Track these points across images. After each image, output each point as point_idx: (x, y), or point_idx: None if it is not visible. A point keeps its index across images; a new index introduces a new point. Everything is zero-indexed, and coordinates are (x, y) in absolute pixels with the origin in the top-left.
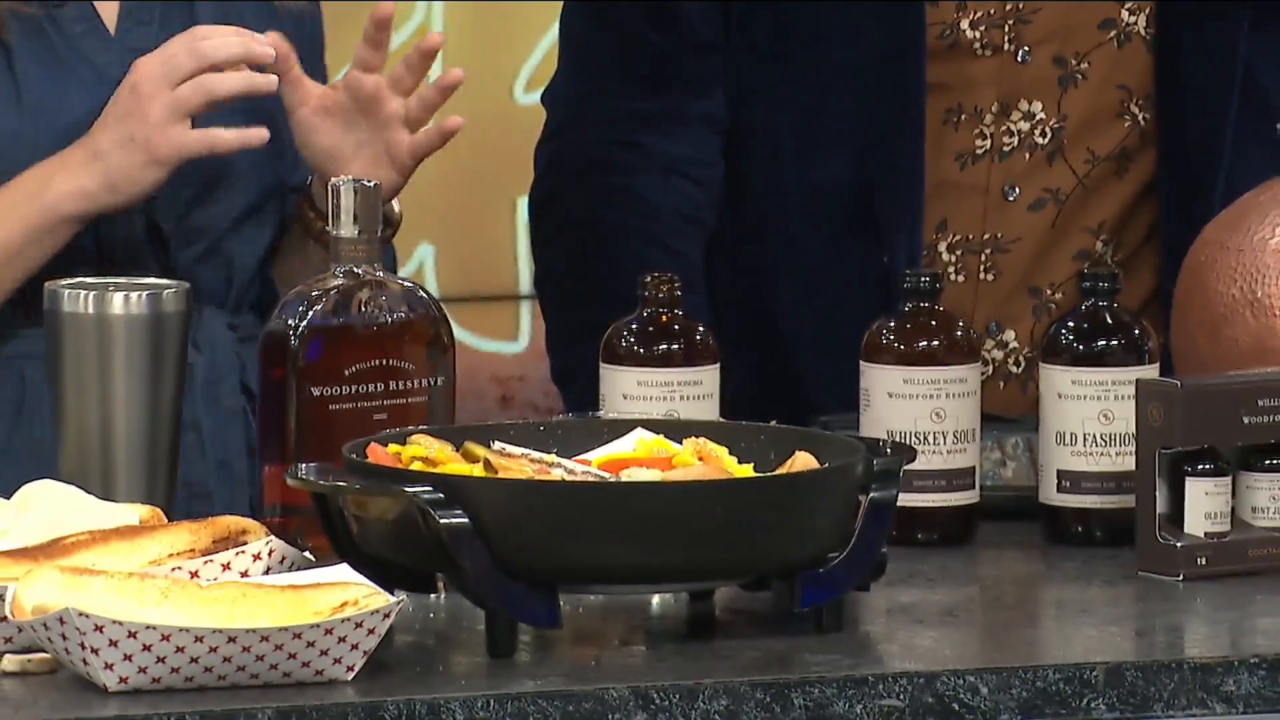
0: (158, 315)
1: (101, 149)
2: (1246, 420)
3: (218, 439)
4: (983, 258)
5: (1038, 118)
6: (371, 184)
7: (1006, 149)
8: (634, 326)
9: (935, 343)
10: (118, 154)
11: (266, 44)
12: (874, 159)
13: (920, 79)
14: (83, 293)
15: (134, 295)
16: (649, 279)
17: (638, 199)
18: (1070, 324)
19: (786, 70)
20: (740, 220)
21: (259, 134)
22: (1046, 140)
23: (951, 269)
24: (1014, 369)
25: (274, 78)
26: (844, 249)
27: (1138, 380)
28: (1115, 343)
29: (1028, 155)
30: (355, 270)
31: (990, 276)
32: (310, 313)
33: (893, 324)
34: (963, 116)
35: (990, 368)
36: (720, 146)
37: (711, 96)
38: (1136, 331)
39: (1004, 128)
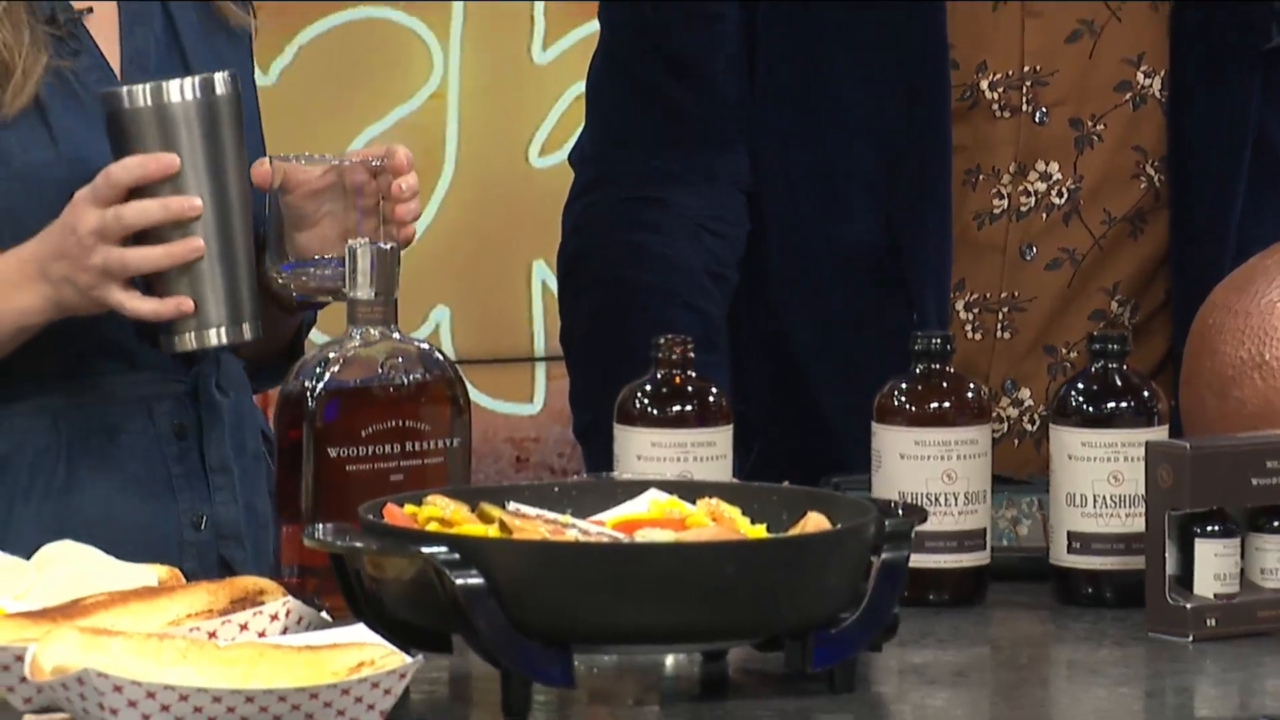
0: (211, 100)
1: (48, 274)
2: (1255, 482)
3: (245, 482)
4: (999, 316)
5: (1054, 178)
6: (388, 246)
7: (1024, 209)
8: (648, 388)
9: (946, 404)
10: (65, 288)
11: (193, 203)
12: (901, 218)
13: (946, 139)
14: (139, 87)
15: (189, 82)
16: (662, 341)
17: (663, 257)
18: (1080, 386)
19: (811, 129)
20: (764, 277)
21: (187, 304)
22: (1063, 200)
23: (968, 327)
24: (1029, 427)
25: (195, 202)
26: (871, 306)
27: (1147, 442)
28: (1125, 405)
29: (1044, 215)
30: (372, 332)
31: (1006, 335)
32: (327, 374)
33: (904, 385)
34: (981, 176)
35: (1005, 426)
36: (745, 204)
37: (736, 154)
38: (1146, 393)
39: (1021, 188)
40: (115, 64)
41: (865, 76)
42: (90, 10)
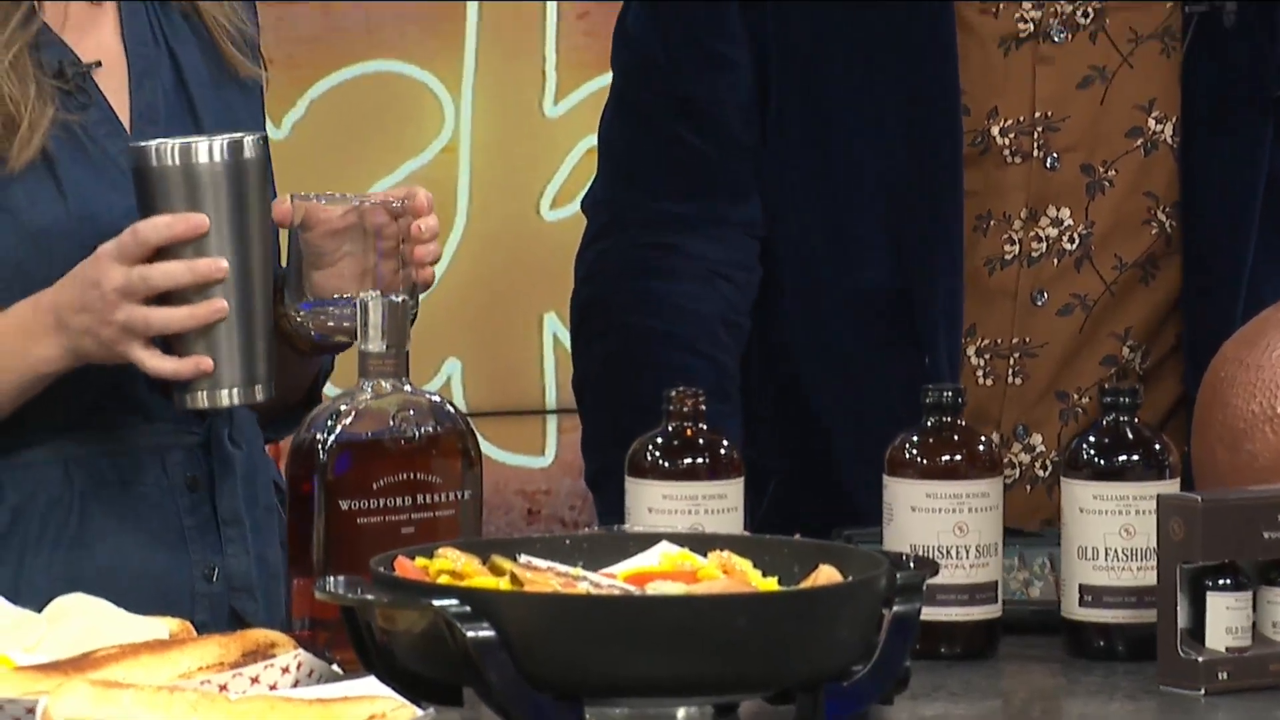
0: (239, 162)
1: (67, 325)
2: (1267, 535)
3: (257, 533)
4: (1011, 361)
5: (1066, 224)
6: (399, 299)
7: (1035, 254)
8: (659, 440)
9: (958, 457)
10: (84, 340)
11: (219, 266)
12: (913, 263)
13: (958, 185)
14: (168, 145)
15: (216, 144)
16: (674, 393)
17: (676, 304)
18: (1091, 439)
19: (823, 175)
20: (776, 323)
21: (206, 363)
22: (1074, 246)
23: (980, 372)
24: (1041, 473)
25: (222, 265)
26: (883, 353)
27: (1159, 495)
28: (1136, 458)
29: (1056, 261)
30: (383, 384)
31: (1018, 380)
32: (339, 427)
33: (915, 438)
34: (992, 222)
35: (1017, 471)
36: (758, 251)
37: (749, 201)
38: (1157, 446)
39: (1032, 233)
40: (125, 117)
41: (877, 123)
42: (99, 64)
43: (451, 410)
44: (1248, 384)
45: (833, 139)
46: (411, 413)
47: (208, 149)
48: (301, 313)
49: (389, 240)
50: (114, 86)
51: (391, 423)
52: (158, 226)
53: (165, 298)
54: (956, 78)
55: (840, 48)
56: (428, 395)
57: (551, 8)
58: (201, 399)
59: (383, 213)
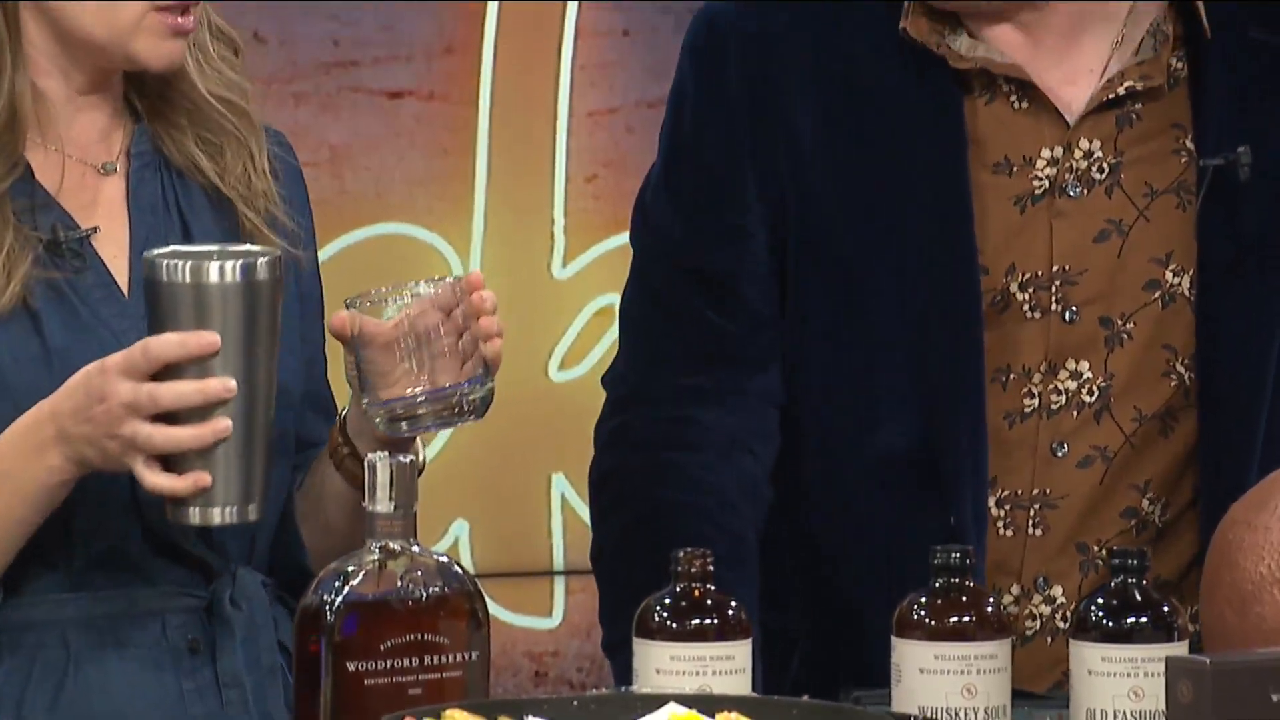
0: (252, 283)
1: (68, 435)
2: (1275, 698)
3: (260, 695)
4: (1031, 513)
5: (1085, 376)
6: (407, 459)
7: (1054, 407)
8: (666, 601)
9: (966, 618)
10: (86, 450)
11: (228, 386)
12: (936, 423)
13: (979, 345)
14: (179, 262)
15: (229, 264)
16: (682, 554)
17: (696, 476)
18: (1100, 600)
19: (843, 339)
20: (798, 486)
21: (204, 480)
22: (1094, 399)
23: (1000, 524)
24: (1061, 625)
25: (230, 384)
26: (907, 512)
27: (1167, 658)
28: (1144, 620)
29: (1075, 413)
30: (391, 545)
31: (1038, 532)
32: (346, 588)
33: (923, 599)
34: (1011, 376)
35: (1038, 623)
36: (778, 420)
37: (768, 371)
38: (1166, 608)
39: (1052, 386)
40: (123, 281)
41: (896, 286)
42: (95, 230)
43: (459, 571)
44: (1255, 546)
45: (852, 302)
46: (419, 573)
47: (219, 268)
48: (380, 410)
49: (447, 337)
50: (113, 251)
51: (399, 584)
52: (169, 344)
53: (169, 414)
54: (974, 239)
55: (857, 213)
56: (435, 556)
57: (560, 170)
58: (194, 515)
59: (433, 313)
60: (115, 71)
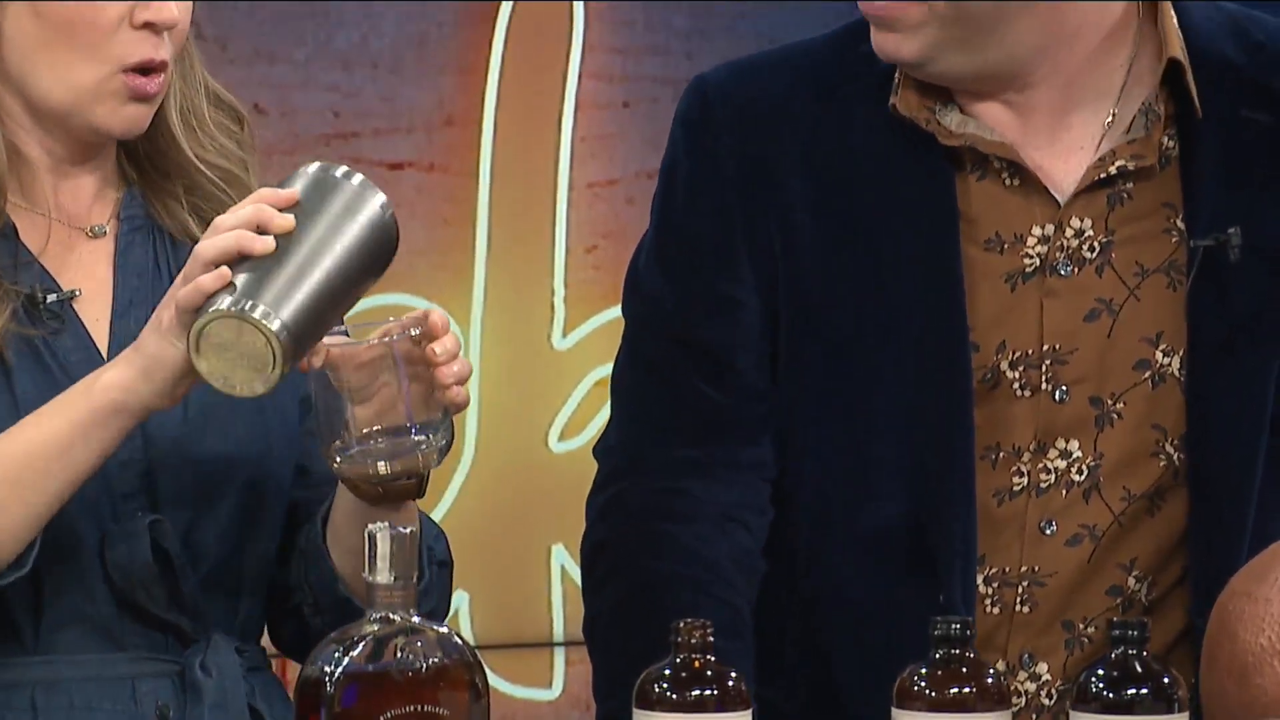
0: (381, 219)
1: (139, 340)
2: None
3: None
4: (1019, 590)
5: (1074, 455)
6: (408, 530)
7: (1044, 485)
8: (667, 672)
9: (966, 689)
10: (148, 336)
11: (277, 219)
12: (926, 499)
13: (969, 423)
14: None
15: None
16: (682, 624)
17: (690, 547)
18: (1100, 672)
19: (835, 414)
20: (790, 559)
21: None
22: (1083, 478)
23: (988, 601)
24: (1046, 701)
25: (269, 240)
26: (897, 589)
27: None
28: (1145, 691)
29: (1064, 492)
30: (390, 616)
31: (1025, 609)
32: (345, 659)
33: (924, 670)
34: (1000, 454)
35: (1023, 700)
36: (770, 492)
37: (761, 443)
38: (1166, 680)
39: (1041, 465)
40: (103, 345)
41: (888, 362)
42: (76, 293)
43: (459, 642)
44: (1255, 617)
45: (844, 378)
46: (419, 644)
47: (350, 173)
48: (346, 458)
49: (416, 365)
50: (94, 314)
51: (399, 654)
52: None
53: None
54: (964, 316)
55: (849, 290)
56: (435, 627)
57: (560, 241)
58: (227, 302)
59: (407, 340)
60: (94, 141)
